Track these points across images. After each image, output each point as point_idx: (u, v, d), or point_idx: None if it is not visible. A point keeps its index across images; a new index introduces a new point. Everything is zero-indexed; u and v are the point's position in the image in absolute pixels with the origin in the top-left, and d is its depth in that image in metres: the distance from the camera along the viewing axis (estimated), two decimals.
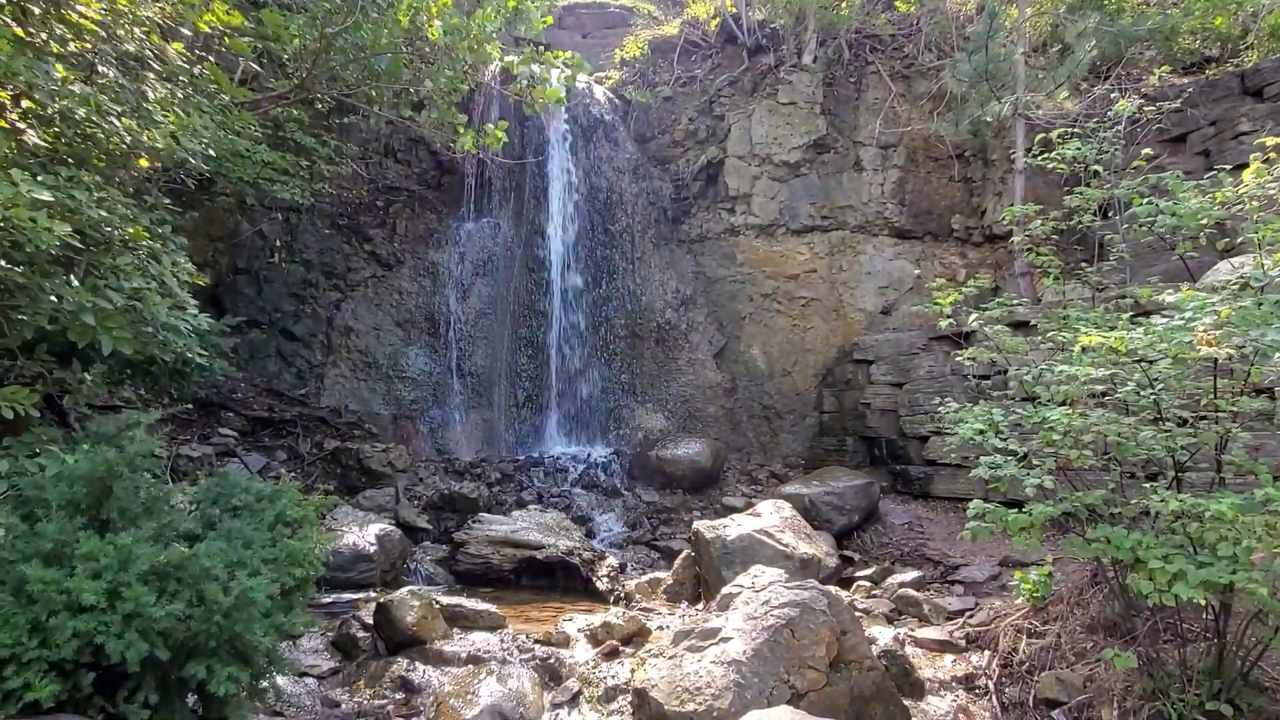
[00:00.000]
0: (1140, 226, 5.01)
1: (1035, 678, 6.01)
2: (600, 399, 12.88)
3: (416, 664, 5.77)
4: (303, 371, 11.99)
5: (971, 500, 5.55)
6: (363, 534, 7.78)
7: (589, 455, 11.75)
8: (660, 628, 6.62)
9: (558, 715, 5.30)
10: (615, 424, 12.74)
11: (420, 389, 12.23)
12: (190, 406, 9.51)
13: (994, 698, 5.90)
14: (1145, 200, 4.92)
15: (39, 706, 3.31)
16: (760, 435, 13.18)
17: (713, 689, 4.69)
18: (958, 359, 5.93)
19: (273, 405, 10.97)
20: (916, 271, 13.18)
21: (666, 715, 4.66)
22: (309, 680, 5.72)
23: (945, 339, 10.93)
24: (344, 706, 5.43)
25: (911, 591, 7.61)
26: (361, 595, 7.12)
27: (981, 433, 4.63)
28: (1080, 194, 6.00)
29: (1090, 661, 5.90)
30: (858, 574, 8.41)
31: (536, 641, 6.14)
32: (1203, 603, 3.86)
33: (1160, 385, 4.17)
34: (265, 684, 4.11)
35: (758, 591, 5.33)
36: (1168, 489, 4.19)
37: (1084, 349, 4.10)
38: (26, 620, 3.29)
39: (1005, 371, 8.27)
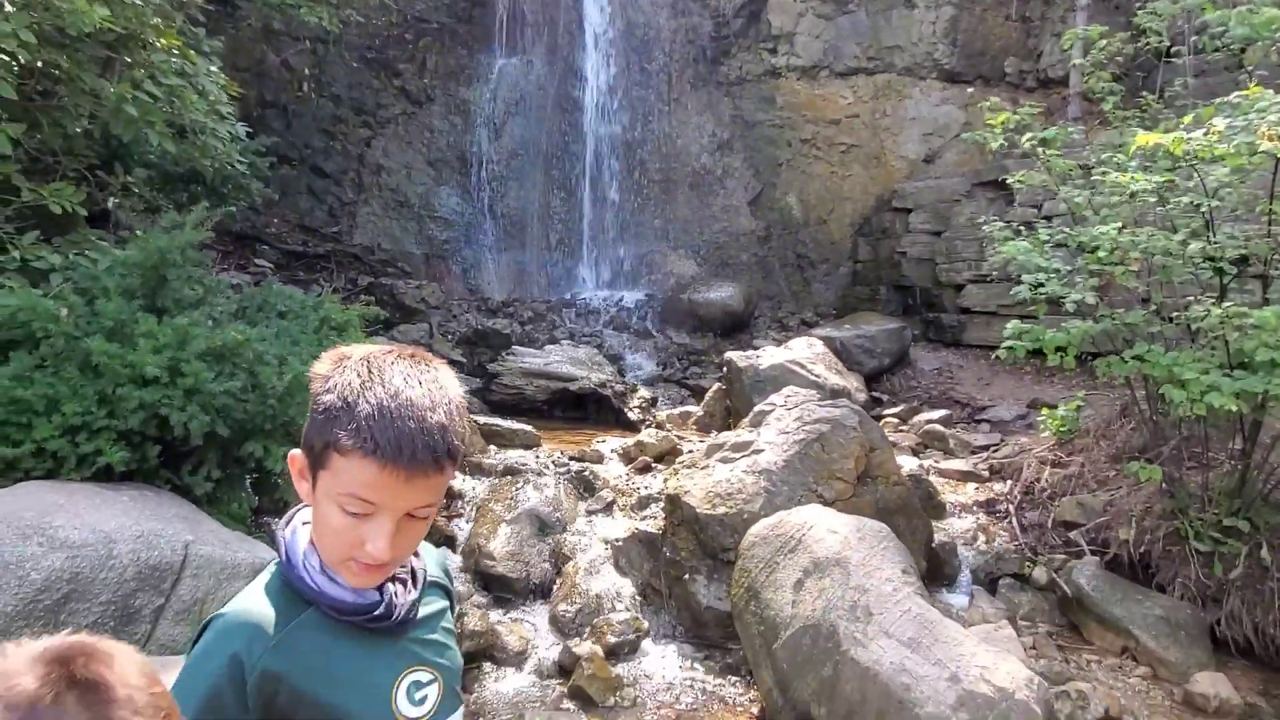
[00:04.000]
0: (1210, 39, 4.75)
1: (1055, 503, 6.15)
2: (633, 243, 12.81)
3: (456, 474, 6.02)
4: (334, 209, 11.99)
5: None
6: None
7: (621, 298, 11.81)
8: (691, 451, 6.82)
9: (592, 520, 5.56)
10: (647, 269, 12.71)
11: (452, 229, 12.22)
12: (228, 235, 9.60)
13: (1014, 520, 6.08)
14: (1218, 9, 4.64)
15: (111, 472, 3.52)
16: (792, 284, 13.12)
17: (744, 494, 4.87)
18: (998, 214, 5.78)
19: (306, 240, 11.05)
20: (965, 120, 12.68)
21: (699, 517, 4.86)
22: None
23: (989, 185, 10.65)
24: None
25: (939, 427, 7.74)
26: None
27: (1027, 252, 4.56)
28: (1151, 11, 5.66)
29: (1111, 488, 6.02)
30: (885, 412, 8.53)
31: (571, 458, 6.36)
32: (1234, 410, 3.88)
33: (1215, 200, 4.06)
34: None
35: (790, 409, 5.44)
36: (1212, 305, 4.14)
37: (1138, 153, 3.97)
38: (94, 392, 3.44)
39: (1050, 218, 8.08)
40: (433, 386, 1.14)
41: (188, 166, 5.69)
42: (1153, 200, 4.33)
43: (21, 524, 2.98)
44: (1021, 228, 5.49)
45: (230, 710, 1.07)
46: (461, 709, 1.30)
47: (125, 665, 0.82)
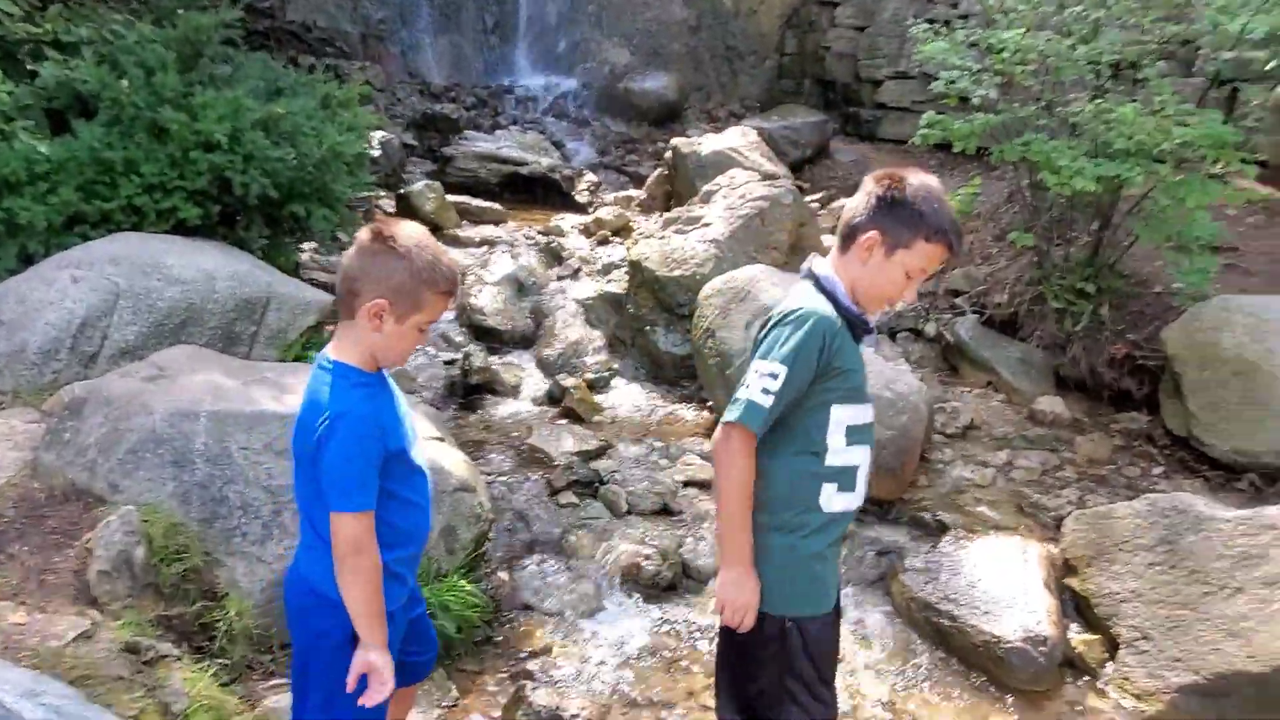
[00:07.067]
0: None
1: (946, 275, 7.33)
2: (567, 30, 12.86)
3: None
4: None
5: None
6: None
7: (558, 85, 12.08)
8: (640, 229, 7.66)
9: (563, 284, 6.43)
10: (581, 56, 12.86)
11: (387, 8, 12.01)
12: None
13: None
14: None
15: (184, 225, 4.15)
16: (720, 76, 13.53)
17: (696, 259, 5.79)
18: (919, 11, 6.44)
19: (242, 16, 10.78)
20: None
21: (658, 278, 5.78)
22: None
23: None
24: None
25: None
26: (372, 193, 7.88)
27: (945, 51, 5.34)
28: None
29: (994, 262, 7.21)
30: (807, 199, 9.46)
31: (539, 232, 7.13)
32: (1094, 190, 4.91)
33: (1103, 9, 4.88)
34: (344, 232, 5.00)
35: (735, 188, 6.28)
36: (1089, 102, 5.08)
37: None
38: (165, 155, 4.00)
39: (966, 16, 8.76)
40: None
41: None
42: (1051, 9, 5.13)
43: (141, 263, 3.66)
44: (942, 28, 6.22)
45: (814, 360, 1.90)
46: None
47: None
